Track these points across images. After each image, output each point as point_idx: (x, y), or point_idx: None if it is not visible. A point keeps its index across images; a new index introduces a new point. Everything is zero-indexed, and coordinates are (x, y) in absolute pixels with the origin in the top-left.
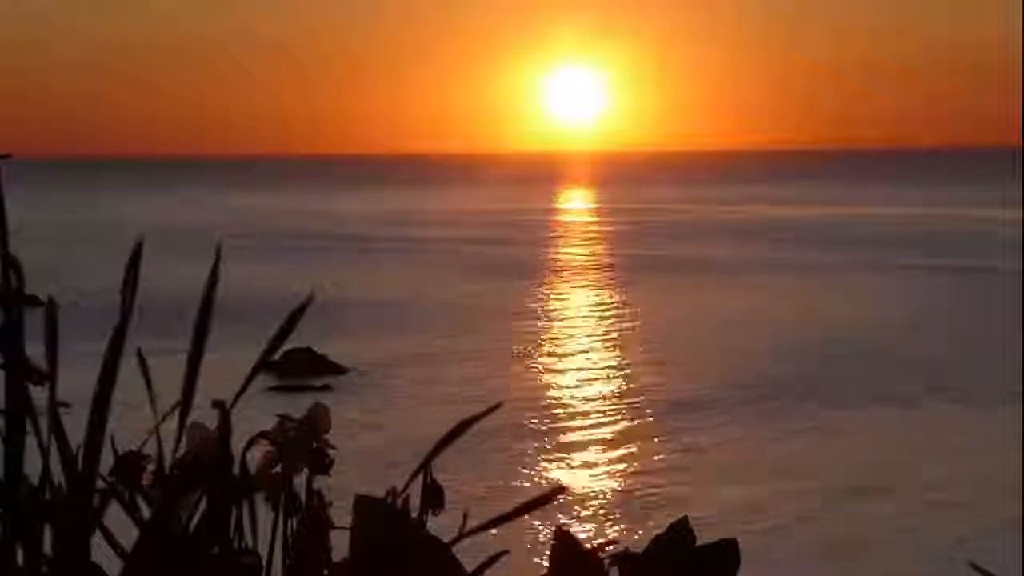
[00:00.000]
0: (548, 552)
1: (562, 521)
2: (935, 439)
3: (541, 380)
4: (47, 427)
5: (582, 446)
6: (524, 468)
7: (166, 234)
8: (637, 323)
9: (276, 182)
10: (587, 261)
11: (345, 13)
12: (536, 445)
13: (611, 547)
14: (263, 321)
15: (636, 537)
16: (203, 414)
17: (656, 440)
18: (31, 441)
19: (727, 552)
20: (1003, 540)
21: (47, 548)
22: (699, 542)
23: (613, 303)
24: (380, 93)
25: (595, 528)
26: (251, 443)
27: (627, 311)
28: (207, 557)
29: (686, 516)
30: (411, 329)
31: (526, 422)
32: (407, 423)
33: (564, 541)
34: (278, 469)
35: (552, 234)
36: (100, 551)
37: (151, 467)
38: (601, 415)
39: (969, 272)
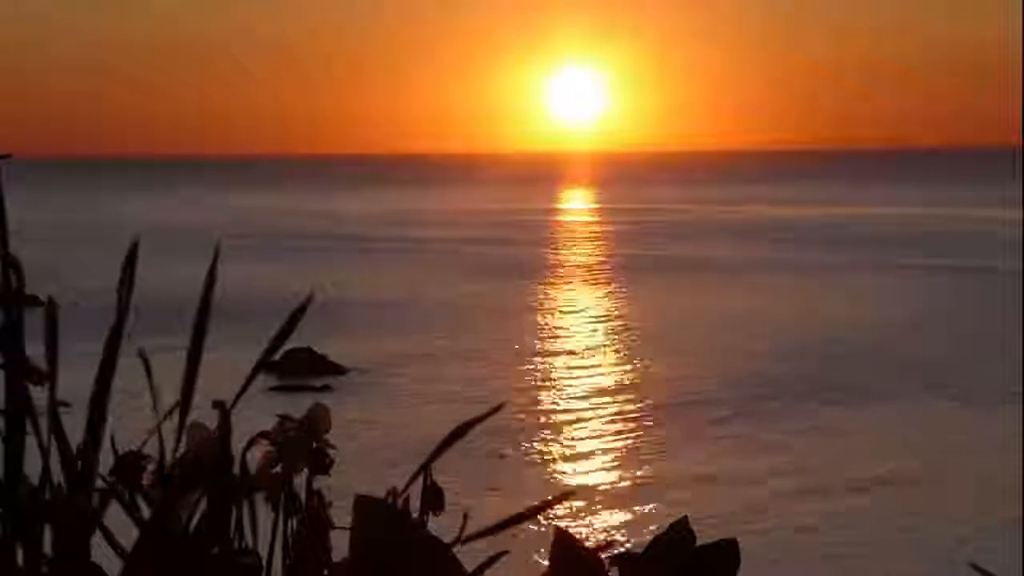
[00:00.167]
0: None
1: (561, 521)
2: (935, 439)
3: (541, 380)
4: (47, 427)
5: (582, 446)
6: (524, 469)
7: (166, 234)
8: (637, 323)
9: (276, 182)
10: (587, 261)
11: (345, 13)
12: (536, 445)
13: (611, 547)
14: (263, 321)
15: (636, 537)
16: (203, 414)
17: (655, 440)
18: (31, 441)
19: (727, 552)
20: (1003, 540)
21: (47, 548)
22: (699, 542)
23: (613, 303)
24: (380, 93)
25: (595, 528)
26: (251, 443)
27: (627, 311)
28: (207, 557)
29: (686, 516)
30: (411, 329)
31: (526, 422)
32: (407, 423)
33: (564, 541)
34: (278, 469)
35: (552, 234)
36: (100, 551)
37: (151, 467)
38: (601, 415)
39: (969, 272)
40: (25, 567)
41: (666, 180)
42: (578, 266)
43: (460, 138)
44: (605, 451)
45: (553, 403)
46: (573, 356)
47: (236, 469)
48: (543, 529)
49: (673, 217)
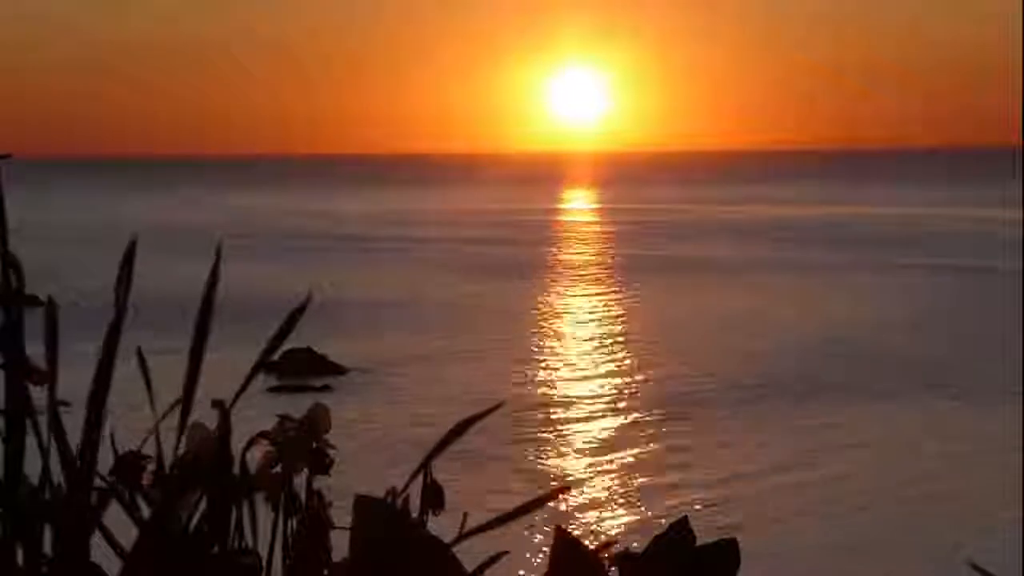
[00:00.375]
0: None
1: (560, 519)
2: (935, 439)
3: (541, 380)
4: (47, 427)
5: (582, 445)
6: (523, 467)
7: (166, 234)
8: (638, 323)
9: (276, 182)
10: (588, 261)
11: (345, 13)
12: (535, 445)
13: (611, 547)
14: (263, 321)
15: (636, 537)
16: (203, 414)
17: (655, 440)
18: (31, 441)
19: (727, 552)
20: (1003, 540)
21: (47, 548)
22: (698, 542)
23: (614, 303)
24: (380, 93)
25: (594, 527)
26: (251, 443)
27: (628, 311)
28: (207, 557)
29: (686, 516)
30: (411, 329)
31: (526, 422)
32: (407, 423)
33: (564, 541)
34: (278, 469)
35: (553, 234)
36: (100, 551)
37: (151, 467)
38: (601, 415)
39: (969, 272)
40: (25, 567)
41: (667, 180)
42: (579, 266)
43: (462, 138)
44: (605, 451)
45: (553, 403)
46: (573, 356)
47: (236, 469)
48: (542, 529)
49: (674, 217)
